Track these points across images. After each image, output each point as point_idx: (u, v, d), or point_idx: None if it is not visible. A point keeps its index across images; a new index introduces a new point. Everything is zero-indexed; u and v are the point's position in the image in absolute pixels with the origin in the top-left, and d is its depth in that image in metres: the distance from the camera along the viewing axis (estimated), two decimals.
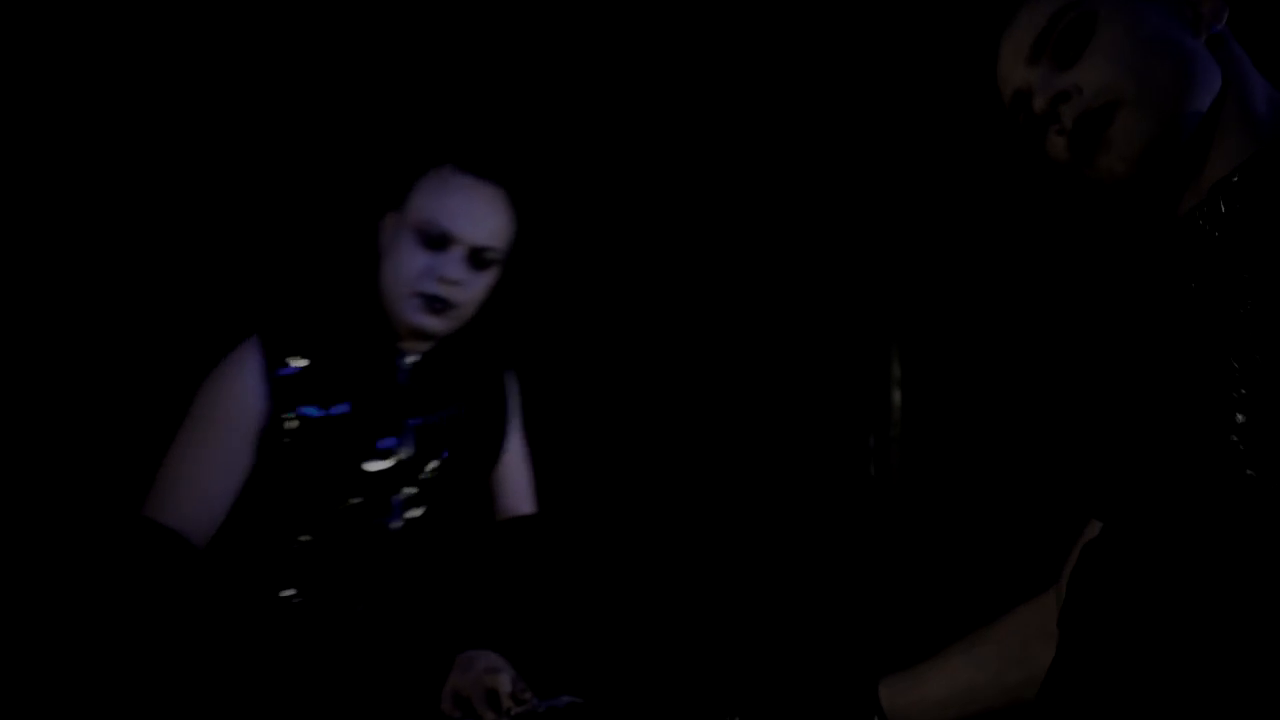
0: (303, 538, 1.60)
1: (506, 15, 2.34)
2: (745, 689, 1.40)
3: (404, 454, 1.64)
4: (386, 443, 1.63)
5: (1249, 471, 0.87)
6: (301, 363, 1.60)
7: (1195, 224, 0.97)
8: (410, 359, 1.68)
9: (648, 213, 2.56)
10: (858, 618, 2.37)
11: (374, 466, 1.62)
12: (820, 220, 2.55)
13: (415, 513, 1.65)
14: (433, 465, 1.67)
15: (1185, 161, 1.00)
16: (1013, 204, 2.32)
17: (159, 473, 1.56)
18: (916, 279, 2.49)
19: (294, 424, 1.58)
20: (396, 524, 1.63)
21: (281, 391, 1.58)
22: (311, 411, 1.59)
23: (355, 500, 1.60)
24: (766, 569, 2.47)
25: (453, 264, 1.59)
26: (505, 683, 1.46)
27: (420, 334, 1.64)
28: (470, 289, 1.62)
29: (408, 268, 1.59)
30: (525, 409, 2.01)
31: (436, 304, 1.59)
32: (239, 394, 1.57)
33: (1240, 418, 0.87)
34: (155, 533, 1.51)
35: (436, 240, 1.59)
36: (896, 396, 2.51)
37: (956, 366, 2.45)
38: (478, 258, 1.61)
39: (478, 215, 1.59)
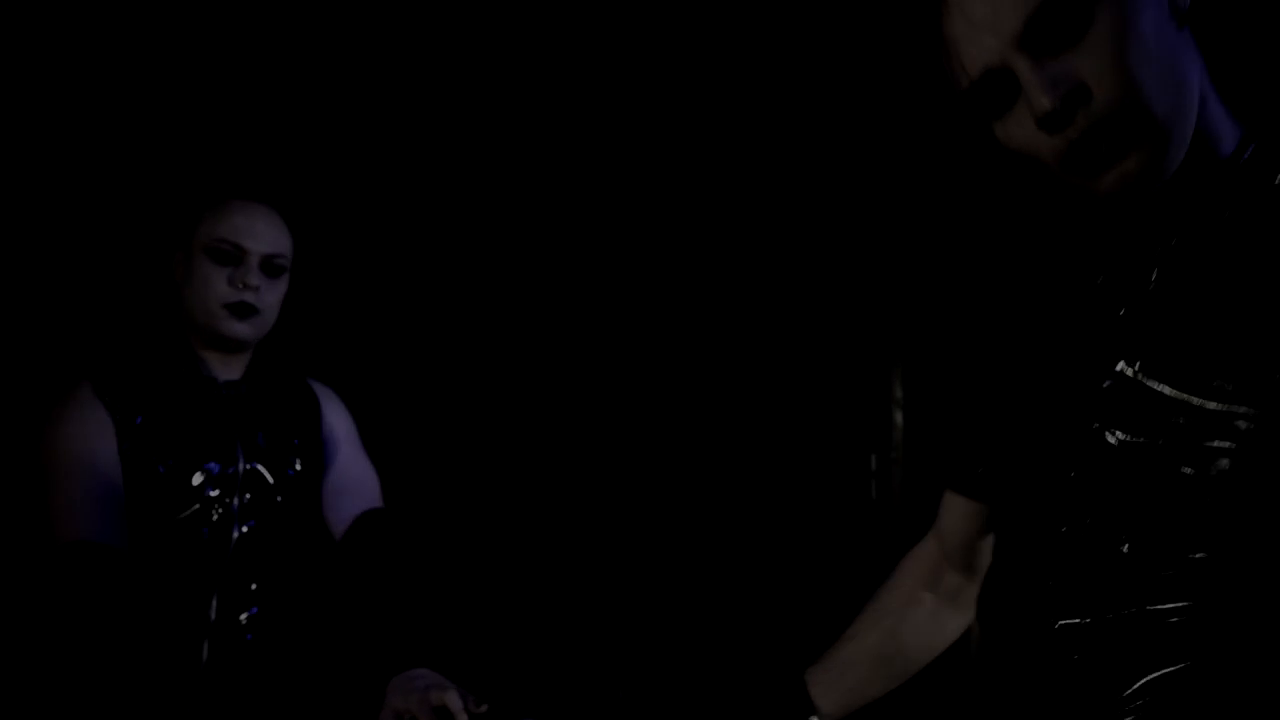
0: (150, 549, 1.67)
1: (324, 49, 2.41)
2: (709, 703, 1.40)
3: (237, 466, 1.75)
4: (216, 457, 1.74)
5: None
6: (133, 395, 1.73)
7: (1167, 232, 0.96)
8: (225, 379, 1.81)
9: (659, 234, 2.59)
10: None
11: (204, 480, 1.72)
12: (824, 243, 2.56)
13: (252, 521, 1.75)
14: (264, 474, 1.78)
15: (1178, 123, 0.92)
16: (1014, 225, 2.33)
17: (54, 505, 1.62)
18: (919, 301, 2.49)
19: (134, 449, 1.69)
20: (237, 531, 1.73)
21: (120, 422, 1.69)
22: (147, 436, 1.70)
23: (190, 512, 1.70)
24: (767, 587, 2.45)
25: (250, 273, 1.75)
26: (455, 699, 1.43)
27: (232, 344, 1.77)
28: (268, 294, 1.77)
29: (210, 285, 1.74)
30: (545, 424, 2.02)
31: (243, 309, 1.73)
32: (94, 424, 1.68)
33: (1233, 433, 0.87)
34: (92, 551, 1.56)
35: (229, 255, 1.74)
36: (899, 418, 2.51)
37: (959, 388, 2.44)
38: (269, 265, 1.77)
39: (260, 228, 1.77)
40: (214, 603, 1.68)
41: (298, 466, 1.81)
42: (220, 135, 2.37)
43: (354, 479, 1.89)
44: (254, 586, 1.72)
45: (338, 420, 1.92)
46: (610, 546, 2.50)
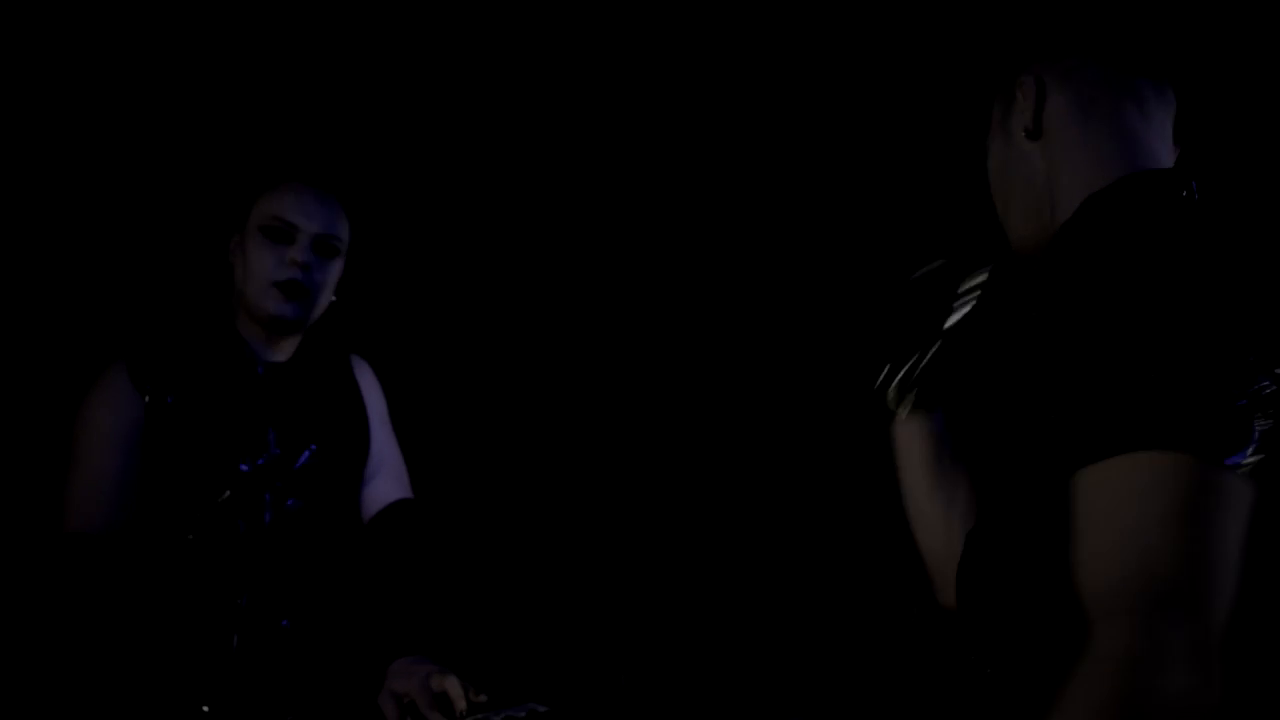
0: (182, 536, 1.69)
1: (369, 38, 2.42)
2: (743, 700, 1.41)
3: (270, 451, 1.75)
4: (252, 442, 1.74)
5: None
6: (168, 376, 1.73)
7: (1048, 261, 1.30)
8: (268, 362, 1.80)
9: (689, 234, 2.60)
10: (878, 631, 2.36)
11: (242, 465, 1.72)
12: (856, 241, 2.56)
13: (287, 506, 1.75)
14: (299, 460, 1.77)
15: (1024, 230, 1.32)
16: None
17: (69, 493, 1.66)
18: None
19: (165, 431, 1.69)
20: (270, 517, 1.73)
21: (153, 403, 1.70)
22: (179, 419, 1.71)
23: (226, 497, 1.70)
24: (794, 586, 2.47)
25: (301, 251, 1.73)
26: (455, 685, 1.47)
27: (280, 325, 1.75)
28: (319, 274, 1.75)
29: (261, 263, 1.73)
30: (572, 424, 2.03)
31: (291, 289, 1.72)
32: (119, 409, 1.69)
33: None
34: (93, 544, 1.59)
35: (281, 233, 1.73)
36: None
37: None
38: (322, 245, 1.75)
39: (314, 208, 1.75)
40: (246, 588, 1.68)
41: (333, 453, 1.80)
42: (276, 120, 2.38)
43: (385, 463, 1.90)
44: (288, 572, 1.72)
45: (374, 403, 1.93)
46: (634, 543, 2.52)
